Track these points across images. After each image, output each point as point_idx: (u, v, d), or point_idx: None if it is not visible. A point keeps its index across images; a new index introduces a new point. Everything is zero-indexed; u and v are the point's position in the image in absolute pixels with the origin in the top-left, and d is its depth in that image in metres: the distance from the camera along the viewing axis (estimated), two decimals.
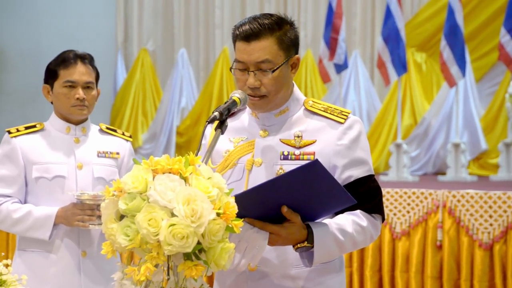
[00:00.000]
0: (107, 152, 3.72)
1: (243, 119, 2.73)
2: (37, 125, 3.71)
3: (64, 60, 3.64)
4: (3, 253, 3.03)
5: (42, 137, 3.67)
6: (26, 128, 3.69)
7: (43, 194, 3.60)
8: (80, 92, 3.61)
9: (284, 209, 2.39)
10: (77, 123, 3.70)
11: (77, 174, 3.63)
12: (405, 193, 6.13)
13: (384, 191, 6.05)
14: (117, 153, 3.75)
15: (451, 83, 8.31)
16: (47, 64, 3.70)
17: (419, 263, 6.00)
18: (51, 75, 3.67)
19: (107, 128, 3.81)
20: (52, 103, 3.72)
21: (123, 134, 3.84)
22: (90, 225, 3.52)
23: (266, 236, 2.40)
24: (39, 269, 3.56)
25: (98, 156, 3.69)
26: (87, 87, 3.64)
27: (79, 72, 3.63)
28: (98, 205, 3.48)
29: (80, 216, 3.50)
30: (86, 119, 3.73)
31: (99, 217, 3.44)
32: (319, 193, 2.39)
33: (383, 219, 2.65)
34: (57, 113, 3.71)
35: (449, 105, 9.74)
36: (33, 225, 3.54)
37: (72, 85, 3.62)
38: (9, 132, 3.66)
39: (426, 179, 8.86)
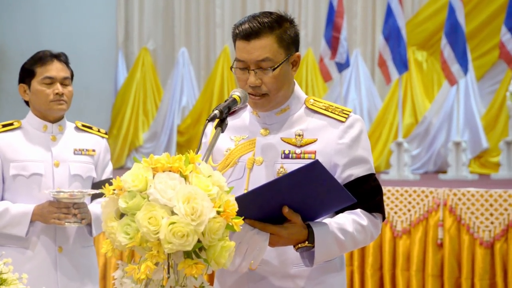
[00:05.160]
0: (83, 150, 3.79)
1: (244, 118, 2.73)
2: (14, 123, 3.78)
3: (41, 58, 3.72)
4: None
5: (19, 135, 3.74)
6: (4, 126, 3.77)
7: (20, 191, 3.66)
8: (59, 87, 3.69)
9: (285, 210, 2.39)
10: (54, 121, 3.76)
11: (54, 172, 3.69)
12: (406, 191, 6.12)
13: (385, 189, 6.04)
14: (93, 150, 3.82)
15: (452, 81, 8.30)
16: (22, 64, 3.75)
17: (420, 261, 5.99)
18: (27, 74, 3.74)
19: (83, 125, 3.88)
20: (27, 103, 3.78)
21: (98, 131, 3.91)
22: (66, 223, 3.59)
23: (266, 237, 2.40)
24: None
25: (74, 153, 3.76)
26: (64, 83, 3.72)
27: (57, 68, 3.71)
28: (74, 203, 3.58)
29: (56, 214, 3.57)
30: (62, 117, 3.79)
31: (75, 215, 3.57)
32: (319, 192, 2.38)
33: (383, 218, 2.64)
34: (34, 111, 3.77)
35: (450, 104, 9.73)
36: (10, 222, 3.60)
37: (51, 81, 3.69)
38: None
39: (427, 177, 8.85)
